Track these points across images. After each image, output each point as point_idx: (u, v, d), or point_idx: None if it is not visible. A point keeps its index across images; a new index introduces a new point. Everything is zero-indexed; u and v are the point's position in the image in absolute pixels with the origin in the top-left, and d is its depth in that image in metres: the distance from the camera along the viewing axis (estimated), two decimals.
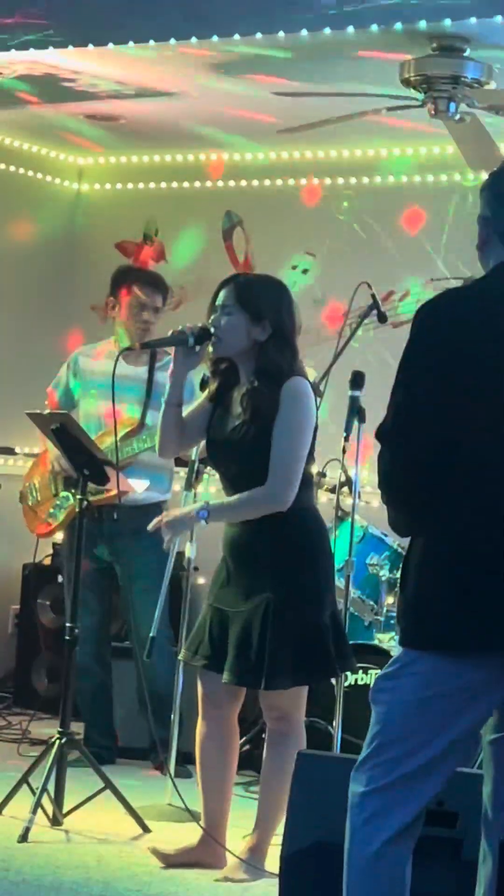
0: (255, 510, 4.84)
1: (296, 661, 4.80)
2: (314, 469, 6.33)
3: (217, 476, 5.12)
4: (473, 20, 5.44)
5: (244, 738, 6.10)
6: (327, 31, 5.46)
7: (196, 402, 5.06)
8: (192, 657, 4.97)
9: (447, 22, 5.53)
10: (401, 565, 3.53)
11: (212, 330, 4.88)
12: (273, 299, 4.96)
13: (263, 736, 6.43)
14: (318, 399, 6.28)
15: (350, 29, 5.41)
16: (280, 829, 4.55)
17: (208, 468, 5.63)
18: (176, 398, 4.97)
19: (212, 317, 4.91)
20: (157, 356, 6.61)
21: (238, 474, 4.91)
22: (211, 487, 6.44)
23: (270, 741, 4.98)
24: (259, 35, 5.71)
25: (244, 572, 4.88)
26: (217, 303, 4.93)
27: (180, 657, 5.10)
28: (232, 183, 8.45)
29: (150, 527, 5.11)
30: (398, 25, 5.50)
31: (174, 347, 4.97)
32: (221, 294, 4.93)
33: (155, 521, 5.09)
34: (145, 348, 4.92)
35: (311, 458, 4.97)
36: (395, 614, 6.30)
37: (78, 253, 8.84)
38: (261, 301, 4.91)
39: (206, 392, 5.03)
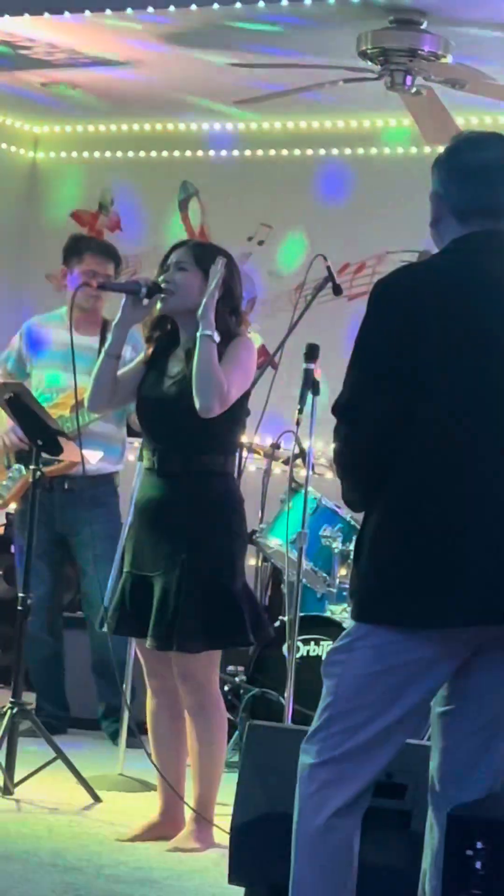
0: (211, 380, 4.73)
1: (207, 626, 4.79)
2: (254, 440, 6.37)
3: None
4: None
5: None
6: (284, 2, 5.45)
7: (131, 364, 5.06)
8: (115, 628, 4.93)
9: None
10: (354, 539, 3.54)
11: (164, 285, 4.87)
12: (226, 264, 4.98)
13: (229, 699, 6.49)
14: (273, 370, 6.31)
15: (307, 1, 5.40)
16: (225, 799, 4.58)
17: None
18: (116, 349, 4.96)
19: (164, 273, 4.91)
20: (108, 327, 6.60)
21: (167, 430, 4.88)
22: None
23: (191, 714, 4.91)
24: (216, 6, 5.70)
25: (160, 535, 4.85)
26: (170, 261, 4.93)
27: (103, 629, 5.00)
28: (188, 153, 8.42)
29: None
30: None
31: (123, 298, 4.94)
32: (175, 253, 4.95)
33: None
34: (101, 289, 4.91)
35: (241, 425, 5.00)
36: (347, 586, 6.32)
37: (33, 222, 8.81)
38: (215, 262, 4.92)
39: (141, 356, 5.04)
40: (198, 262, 4.90)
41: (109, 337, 5.01)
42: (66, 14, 5.98)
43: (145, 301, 4.90)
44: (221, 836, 4.78)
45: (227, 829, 4.24)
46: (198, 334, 4.78)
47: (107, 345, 5.00)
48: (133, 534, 4.96)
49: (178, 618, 4.76)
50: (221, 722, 4.93)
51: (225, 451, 4.94)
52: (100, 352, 6.46)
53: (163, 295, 4.88)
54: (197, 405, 4.77)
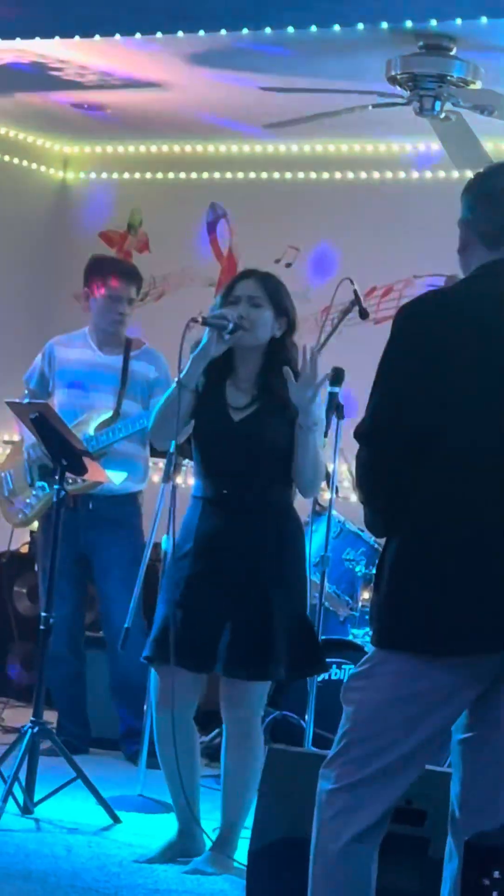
0: (318, 472, 4.89)
1: (290, 655, 4.81)
2: None
3: (194, 467, 5.03)
4: (458, 21, 5.45)
5: (215, 732, 6.12)
6: (314, 28, 5.46)
7: (172, 391, 5.02)
8: (161, 655, 4.86)
9: (433, 22, 5.54)
10: (376, 563, 3.54)
11: (240, 321, 4.83)
12: (289, 298, 5.01)
13: None
14: None
15: (336, 27, 5.42)
16: (248, 822, 4.57)
17: (186, 460, 5.61)
18: (194, 382, 4.89)
19: (238, 307, 4.86)
20: (132, 346, 6.62)
21: (244, 464, 4.85)
22: (189, 480, 6.45)
23: (233, 741, 4.90)
24: (245, 31, 5.71)
25: (236, 569, 4.81)
26: (239, 293, 4.89)
27: (145, 655, 4.94)
28: (217, 175, 8.45)
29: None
30: (384, 24, 5.50)
31: (209, 331, 4.87)
32: (245, 286, 4.91)
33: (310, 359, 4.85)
34: (203, 325, 4.83)
35: None
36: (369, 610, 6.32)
37: (62, 242, 8.84)
38: (283, 297, 4.95)
39: (176, 385, 4.97)
40: (271, 299, 4.89)
41: (186, 368, 4.87)
42: (97, 37, 5.99)
43: (227, 336, 4.86)
44: (240, 859, 4.77)
45: (246, 853, 4.24)
46: (307, 424, 4.79)
47: (183, 376, 4.88)
48: (189, 566, 4.89)
49: (261, 646, 4.74)
50: (261, 751, 4.89)
51: (290, 482, 4.93)
52: (123, 371, 6.54)
53: (243, 329, 4.85)
54: (303, 493, 4.93)
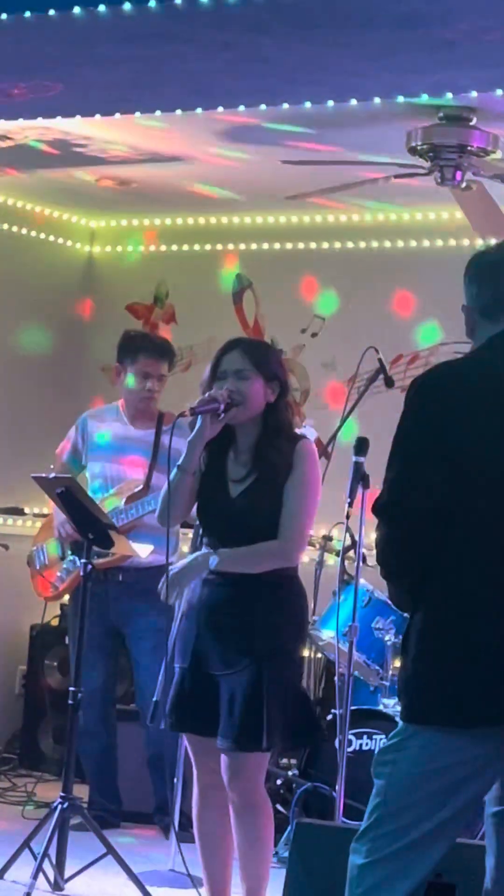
0: (264, 562, 4.81)
1: (288, 725, 4.80)
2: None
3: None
4: (474, 94, 5.48)
5: None
6: (330, 103, 5.50)
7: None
8: (177, 725, 4.93)
9: (448, 96, 5.58)
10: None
11: (234, 396, 4.83)
12: (278, 360, 5.03)
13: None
14: (326, 461, 6.32)
15: (353, 101, 5.46)
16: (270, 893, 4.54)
17: None
18: (194, 466, 4.90)
19: (225, 383, 4.86)
20: (164, 420, 6.65)
21: (242, 537, 4.86)
22: None
23: (238, 813, 4.86)
24: (263, 107, 5.76)
25: (230, 636, 4.82)
26: (226, 367, 4.90)
27: (163, 726, 5.01)
28: (242, 246, 8.50)
29: (159, 588, 5.03)
30: (400, 98, 5.54)
31: (201, 417, 4.86)
32: (230, 360, 4.90)
33: (161, 581, 5.00)
34: (193, 415, 4.86)
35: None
36: None
37: (90, 314, 8.90)
38: (271, 362, 4.95)
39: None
40: (257, 367, 4.88)
41: (184, 454, 4.90)
42: (117, 115, 6.03)
43: (221, 416, 4.87)
44: None
45: None
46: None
47: (182, 461, 4.90)
48: (193, 630, 4.91)
49: (253, 717, 4.73)
50: (269, 819, 4.88)
51: None
52: (155, 444, 6.58)
53: (236, 406, 4.86)
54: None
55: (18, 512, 8.47)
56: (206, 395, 4.85)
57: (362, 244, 8.15)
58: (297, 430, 5.06)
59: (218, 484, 4.92)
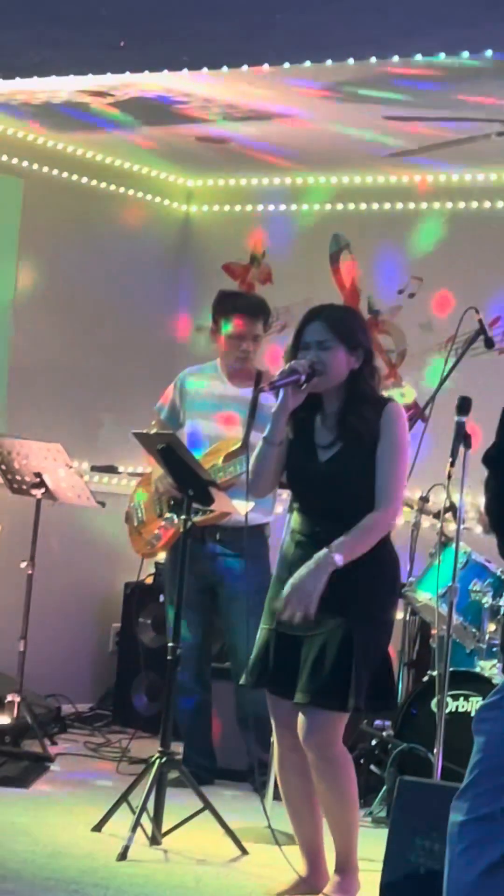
0: (374, 536, 4.82)
1: (372, 687, 4.81)
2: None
3: (290, 501, 5.06)
4: None
5: None
6: (441, 56, 5.42)
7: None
8: (254, 683, 4.95)
9: None
10: None
11: (316, 367, 4.83)
12: (362, 327, 5.02)
13: (361, 761, 6.44)
14: (424, 423, 6.28)
15: (465, 54, 5.38)
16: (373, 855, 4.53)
17: None
18: (280, 437, 4.91)
19: (309, 354, 4.85)
20: (262, 378, 6.63)
21: (332, 503, 4.87)
22: None
23: (318, 769, 4.85)
24: (373, 59, 5.68)
25: (321, 599, 4.78)
26: (308, 339, 4.88)
27: (241, 682, 5.05)
28: (340, 206, 8.45)
29: (284, 616, 4.84)
30: None
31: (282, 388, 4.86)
32: (312, 330, 4.88)
33: (287, 613, 4.83)
34: (272, 389, 4.85)
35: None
36: (497, 642, 6.24)
37: (186, 274, 8.90)
38: (355, 330, 4.93)
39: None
40: (339, 337, 4.87)
41: (269, 425, 4.92)
42: (225, 68, 5.99)
43: (303, 386, 4.86)
44: (370, 892, 4.74)
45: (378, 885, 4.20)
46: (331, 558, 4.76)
47: (268, 433, 4.91)
48: (277, 590, 4.92)
49: (340, 677, 4.73)
50: (350, 773, 4.88)
51: None
52: (253, 402, 6.57)
53: (316, 378, 4.85)
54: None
55: (112, 470, 8.50)
56: (287, 366, 4.85)
57: (461, 204, 8.06)
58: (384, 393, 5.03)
59: (307, 450, 4.93)
